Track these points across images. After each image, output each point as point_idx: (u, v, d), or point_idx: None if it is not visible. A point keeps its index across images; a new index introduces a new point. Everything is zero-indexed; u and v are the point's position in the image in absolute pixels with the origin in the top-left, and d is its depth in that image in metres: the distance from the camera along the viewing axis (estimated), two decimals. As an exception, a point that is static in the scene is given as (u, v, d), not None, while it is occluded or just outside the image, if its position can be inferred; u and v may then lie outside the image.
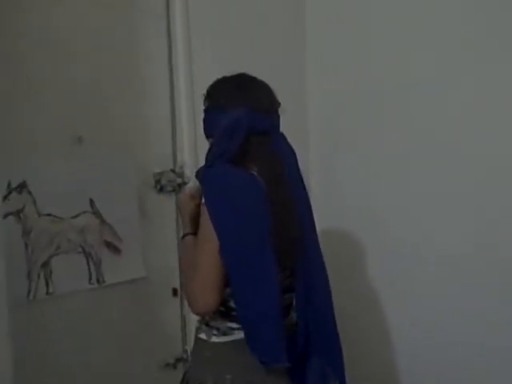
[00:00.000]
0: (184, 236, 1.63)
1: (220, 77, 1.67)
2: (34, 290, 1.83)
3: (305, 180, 2.74)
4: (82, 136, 1.93)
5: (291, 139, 2.68)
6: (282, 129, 2.61)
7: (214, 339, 1.56)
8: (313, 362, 1.62)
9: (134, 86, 2.09)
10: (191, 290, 1.50)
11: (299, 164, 1.65)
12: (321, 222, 2.77)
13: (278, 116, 1.65)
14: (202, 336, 1.59)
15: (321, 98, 2.78)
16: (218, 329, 1.55)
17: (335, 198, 2.78)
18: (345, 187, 2.74)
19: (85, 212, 1.96)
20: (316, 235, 1.68)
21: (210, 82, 2.26)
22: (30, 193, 1.81)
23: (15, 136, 1.79)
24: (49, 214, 1.86)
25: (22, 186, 1.79)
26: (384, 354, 2.62)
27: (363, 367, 2.60)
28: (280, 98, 2.52)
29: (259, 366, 1.50)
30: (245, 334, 1.51)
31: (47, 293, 1.87)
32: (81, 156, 1.93)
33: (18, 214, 1.78)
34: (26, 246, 1.81)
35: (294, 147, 2.69)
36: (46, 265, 1.86)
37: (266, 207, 1.49)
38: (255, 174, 1.53)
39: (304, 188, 1.66)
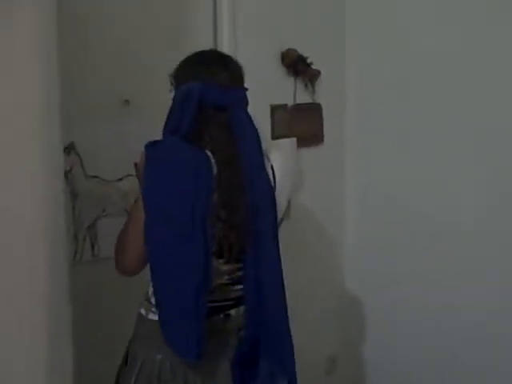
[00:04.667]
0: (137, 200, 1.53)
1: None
2: (81, 252, 1.85)
3: (339, 150, 2.79)
4: (128, 99, 1.92)
5: (329, 109, 2.70)
6: (321, 100, 2.65)
7: (151, 316, 1.53)
8: (261, 361, 1.53)
9: (180, 52, 2.08)
10: (116, 251, 1.49)
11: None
12: (354, 192, 2.84)
13: (241, 93, 1.55)
14: (142, 311, 1.58)
15: (359, 69, 2.75)
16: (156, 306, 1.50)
17: (369, 168, 2.78)
18: (378, 157, 2.74)
19: (129, 175, 1.96)
20: (273, 227, 1.55)
21: (251, 57, 2.28)
22: (77, 154, 1.82)
23: (64, 97, 1.78)
24: (95, 176, 1.87)
25: (70, 147, 1.80)
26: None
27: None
28: (319, 67, 2.56)
29: None
30: (158, 318, 1.46)
31: (93, 255, 1.88)
32: (127, 119, 1.94)
33: (66, 174, 1.79)
34: (73, 207, 1.82)
35: (330, 116, 2.71)
36: (91, 227, 1.88)
37: (208, 189, 1.41)
38: (208, 152, 1.46)
39: (265, 176, 1.53)
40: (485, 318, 2.37)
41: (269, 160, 1.58)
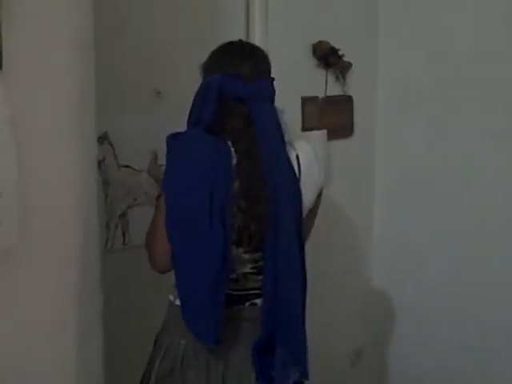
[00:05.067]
0: (158, 197, 1.56)
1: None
2: (112, 240, 1.88)
3: (369, 142, 2.77)
4: (160, 90, 1.94)
5: (359, 101, 2.68)
6: (352, 93, 2.63)
7: (178, 302, 1.55)
8: (277, 350, 1.53)
9: (212, 43, 2.09)
10: (147, 249, 1.52)
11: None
12: (384, 184, 2.82)
13: (265, 84, 1.53)
14: (170, 297, 1.61)
15: (390, 61, 2.73)
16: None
17: (399, 161, 2.77)
18: (408, 150, 2.73)
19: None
20: (296, 218, 1.51)
21: (283, 49, 2.26)
22: (110, 144, 1.85)
23: (98, 88, 1.81)
24: (127, 166, 1.90)
25: (103, 137, 1.83)
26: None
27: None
28: (351, 59, 2.54)
29: None
30: (180, 304, 1.50)
31: (124, 243, 1.92)
32: (158, 110, 1.96)
33: (99, 164, 1.82)
34: (106, 196, 1.85)
35: (361, 108, 2.69)
36: (123, 216, 1.91)
37: (227, 179, 1.43)
38: (229, 143, 1.47)
39: (286, 166, 1.51)
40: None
41: (295, 150, 1.56)
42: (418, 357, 2.72)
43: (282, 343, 1.52)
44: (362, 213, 2.83)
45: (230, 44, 1.61)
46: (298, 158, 1.56)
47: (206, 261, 1.42)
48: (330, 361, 2.15)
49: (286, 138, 1.54)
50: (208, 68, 1.57)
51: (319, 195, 1.63)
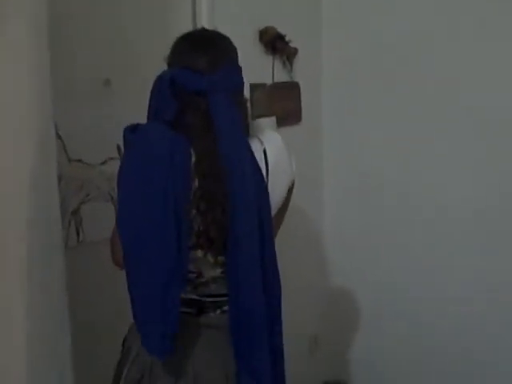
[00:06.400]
0: None
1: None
2: (66, 238, 1.79)
3: (317, 128, 2.78)
4: (109, 79, 1.87)
5: (306, 87, 2.68)
6: (299, 79, 2.62)
7: None
8: (241, 378, 1.43)
9: (160, 29, 2.03)
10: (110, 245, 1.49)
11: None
12: (332, 170, 2.84)
13: (227, 75, 1.42)
14: None
15: (336, 46, 2.74)
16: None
17: (346, 148, 2.78)
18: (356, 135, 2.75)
19: (112, 158, 1.91)
20: (262, 220, 1.39)
21: (230, 35, 2.24)
22: (60, 137, 1.75)
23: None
24: (79, 160, 1.82)
25: (53, 131, 1.73)
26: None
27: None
28: (297, 46, 2.54)
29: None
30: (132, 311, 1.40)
31: (78, 240, 1.84)
32: (108, 100, 1.88)
33: (49, 159, 1.73)
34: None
35: (308, 94, 2.69)
36: (76, 212, 1.83)
37: (185, 177, 1.34)
38: (189, 140, 1.37)
39: (248, 164, 1.39)
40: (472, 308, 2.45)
41: (262, 144, 1.46)
42: (378, 344, 2.75)
43: (243, 358, 1.42)
44: (311, 197, 2.82)
45: (188, 35, 1.50)
46: (265, 153, 1.45)
47: (157, 263, 1.32)
48: (287, 349, 2.11)
49: (250, 131, 1.47)
50: (169, 60, 1.48)
51: (291, 189, 1.54)
